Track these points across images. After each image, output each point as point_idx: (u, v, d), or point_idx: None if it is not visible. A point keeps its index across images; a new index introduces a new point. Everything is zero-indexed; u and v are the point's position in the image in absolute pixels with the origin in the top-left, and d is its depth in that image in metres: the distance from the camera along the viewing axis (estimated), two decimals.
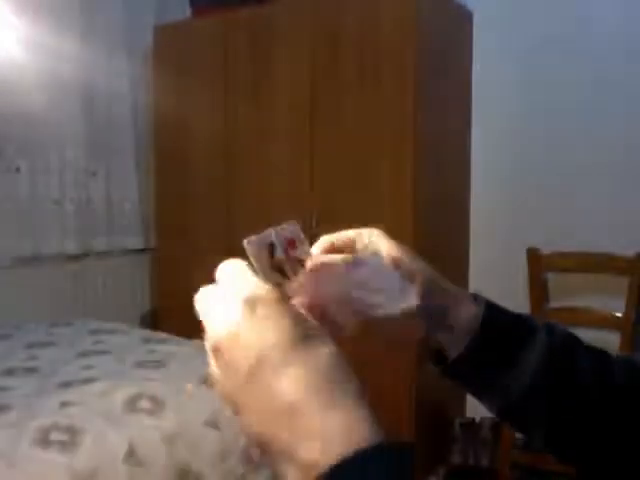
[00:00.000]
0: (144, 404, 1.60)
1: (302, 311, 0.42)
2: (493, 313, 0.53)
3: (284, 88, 2.63)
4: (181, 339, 2.24)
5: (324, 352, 0.38)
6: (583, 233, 2.46)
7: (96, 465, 1.38)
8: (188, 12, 3.12)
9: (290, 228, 0.49)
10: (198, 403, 1.66)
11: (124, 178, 3.20)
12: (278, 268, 0.46)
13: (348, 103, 2.47)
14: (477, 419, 2.56)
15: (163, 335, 2.34)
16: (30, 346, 2.15)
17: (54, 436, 1.41)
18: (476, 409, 2.71)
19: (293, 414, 0.36)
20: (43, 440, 1.39)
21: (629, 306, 2.19)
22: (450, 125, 2.65)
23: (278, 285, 0.44)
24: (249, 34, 2.72)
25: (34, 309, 2.81)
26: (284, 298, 0.41)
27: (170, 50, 3.00)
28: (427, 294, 0.51)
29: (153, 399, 1.62)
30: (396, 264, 0.50)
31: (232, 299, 0.40)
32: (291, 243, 0.48)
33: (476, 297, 0.54)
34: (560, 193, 2.57)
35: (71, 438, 1.41)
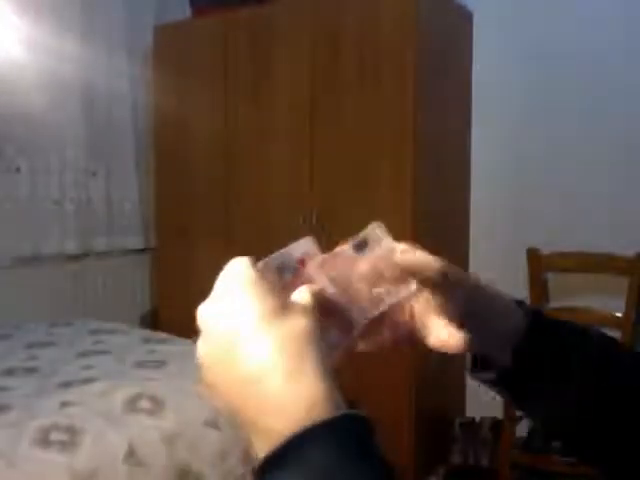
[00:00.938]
0: (144, 404, 1.60)
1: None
2: (537, 326, 0.51)
3: (284, 88, 2.63)
4: (181, 339, 2.24)
5: (294, 324, 0.39)
6: (583, 233, 2.46)
7: (96, 465, 1.38)
8: (188, 12, 3.12)
9: (302, 245, 0.47)
10: (198, 403, 1.66)
11: (124, 178, 3.20)
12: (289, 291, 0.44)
13: (348, 103, 2.47)
14: (477, 419, 2.56)
15: (163, 335, 2.35)
16: (30, 346, 2.15)
17: (54, 436, 1.41)
18: (476, 409, 2.71)
19: (258, 383, 0.37)
20: (43, 440, 1.39)
21: (629, 306, 2.19)
22: (450, 125, 2.65)
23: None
24: (249, 34, 2.72)
25: (34, 309, 2.81)
26: (266, 280, 0.41)
27: (170, 50, 3.00)
28: (469, 298, 0.50)
29: (153, 399, 1.62)
30: (446, 265, 0.48)
31: (219, 282, 0.42)
32: (302, 262, 0.47)
33: (520, 304, 0.53)
34: (560, 193, 2.57)
35: (71, 438, 1.41)
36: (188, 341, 2.17)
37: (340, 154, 2.50)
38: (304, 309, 0.41)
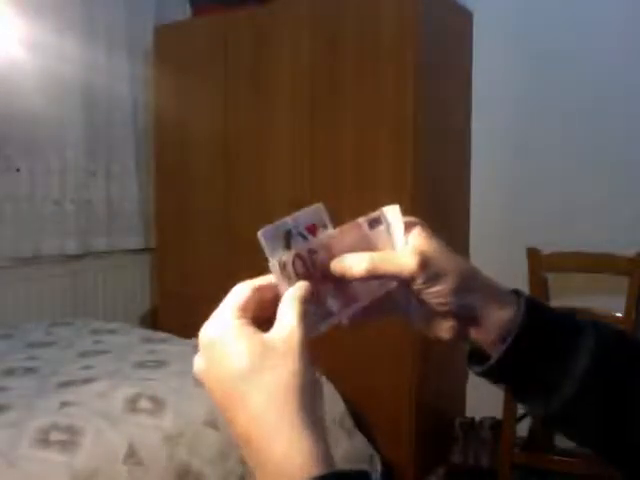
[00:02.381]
0: (144, 404, 1.60)
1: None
2: (533, 317, 0.51)
3: (284, 88, 2.63)
4: (181, 339, 2.24)
5: (274, 378, 0.41)
6: (583, 233, 2.46)
7: (96, 465, 1.38)
8: (188, 12, 3.12)
9: (311, 212, 0.47)
10: (198, 403, 1.66)
11: (124, 178, 3.20)
12: (294, 259, 0.45)
13: (348, 103, 2.47)
14: (477, 419, 2.56)
15: (163, 335, 2.35)
16: (30, 346, 2.15)
17: (54, 436, 1.41)
18: (476, 409, 2.71)
19: (247, 443, 0.41)
20: (43, 440, 1.39)
21: (629, 306, 2.19)
22: (450, 125, 2.65)
23: (288, 280, 0.45)
24: (249, 34, 2.72)
25: (34, 309, 2.81)
26: (248, 326, 0.44)
27: (170, 50, 3.00)
28: (456, 293, 0.49)
29: (153, 399, 1.62)
30: (422, 264, 0.48)
31: (207, 332, 0.44)
32: (311, 229, 0.47)
33: (518, 294, 0.52)
34: (560, 193, 2.57)
35: (71, 438, 1.41)
36: (188, 341, 2.17)
37: (340, 154, 2.50)
38: (289, 346, 0.42)
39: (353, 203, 2.45)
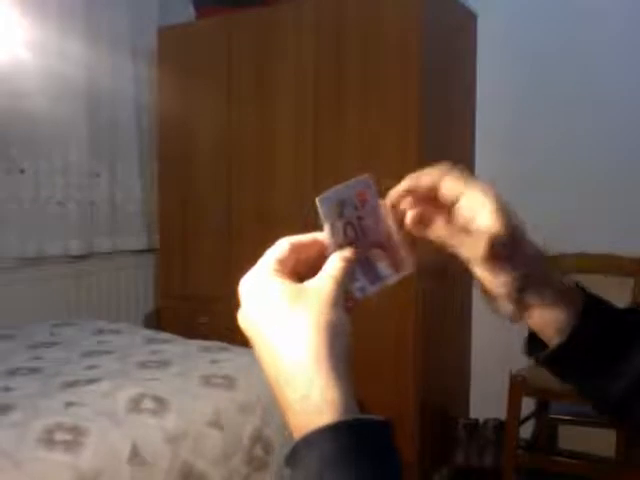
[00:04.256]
0: (148, 404, 1.60)
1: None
2: (593, 313, 0.51)
3: (287, 90, 2.63)
4: (184, 339, 2.24)
5: (304, 330, 0.42)
6: (587, 234, 2.46)
7: (100, 465, 1.39)
8: (192, 14, 3.13)
9: (360, 182, 0.51)
10: (201, 403, 1.66)
11: (127, 179, 3.21)
12: (345, 226, 0.49)
13: (351, 106, 2.47)
14: (480, 420, 2.56)
15: (166, 335, 2.35)
16: (34, 346, 2.16)
17: (58, 436, 1.41)
18: (480, 410, 2.70)
19: (277, 387, 0.42)
20: (47, 440, 1.39)
21: None
22: (454, 127, 2.65)
23: (339, 245, 0.48)
24: (253, 36, 2.72)
25: (38, 309, 2.82)
26: (284, 270, 0.45)
27: (174, 51, 3.00)
28: (521, 288, 0.50)
29: (157, 399, 1.63)
30: (492, 254, 0.49)
31: (246, 286, 0.46)
32: (361, 198, 0.50)
33: (578, 285, 0.53)
34: (562, 193, 2.57)
35: (75, 438, 1.42)
36: (191, 341, 2.17)
37: (343, 156, 2.50)
38: (323, 293, 0.43)
39: None
